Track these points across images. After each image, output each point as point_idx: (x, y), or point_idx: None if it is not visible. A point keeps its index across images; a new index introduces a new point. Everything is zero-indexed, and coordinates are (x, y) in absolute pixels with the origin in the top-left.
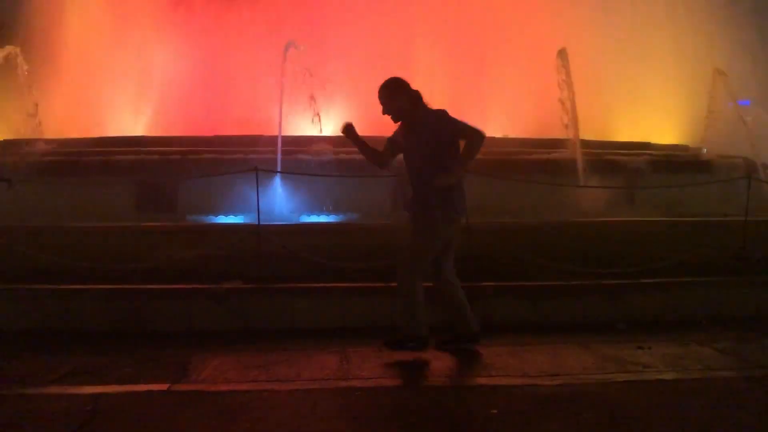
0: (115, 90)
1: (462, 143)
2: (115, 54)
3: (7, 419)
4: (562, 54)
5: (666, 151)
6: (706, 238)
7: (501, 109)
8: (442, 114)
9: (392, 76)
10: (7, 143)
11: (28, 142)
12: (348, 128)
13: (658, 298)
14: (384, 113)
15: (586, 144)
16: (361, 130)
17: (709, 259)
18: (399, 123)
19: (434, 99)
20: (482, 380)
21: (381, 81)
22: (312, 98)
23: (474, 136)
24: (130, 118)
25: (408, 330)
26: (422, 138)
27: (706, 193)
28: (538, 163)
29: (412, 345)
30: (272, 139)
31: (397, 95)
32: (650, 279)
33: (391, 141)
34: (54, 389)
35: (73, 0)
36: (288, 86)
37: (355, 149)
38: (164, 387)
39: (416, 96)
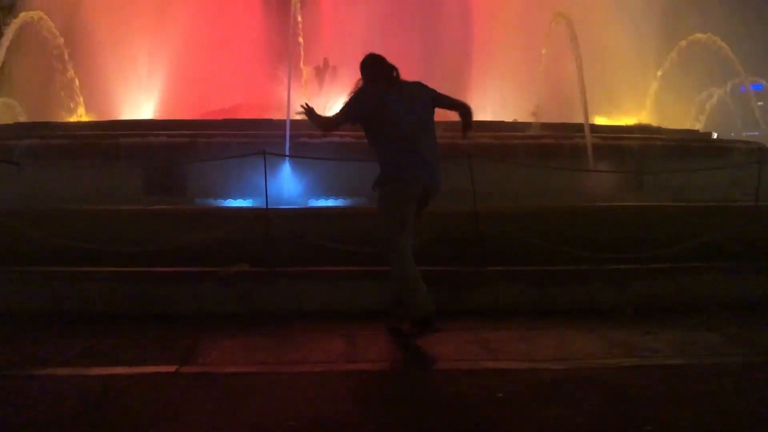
0: (123, 74)
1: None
2: (122, 38)
3: (18, 400)
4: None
5: (676, 135)
6: (715, 223)
7: (510, 92)
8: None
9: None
10: (17, 126)
11: (38, 125)
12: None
13: (665, 284)
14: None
15: (595, 129)
16: None
17: (717, 245)
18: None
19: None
20: (488, 364)
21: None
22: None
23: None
24: (139, 101)
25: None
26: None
27: (715, 179)
28: (549, 147)
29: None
30: (280, 123)
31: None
32: (658, 264)
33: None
34: (63, 370)
35: None
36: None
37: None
38: (172, 369)
39: (388, 71)
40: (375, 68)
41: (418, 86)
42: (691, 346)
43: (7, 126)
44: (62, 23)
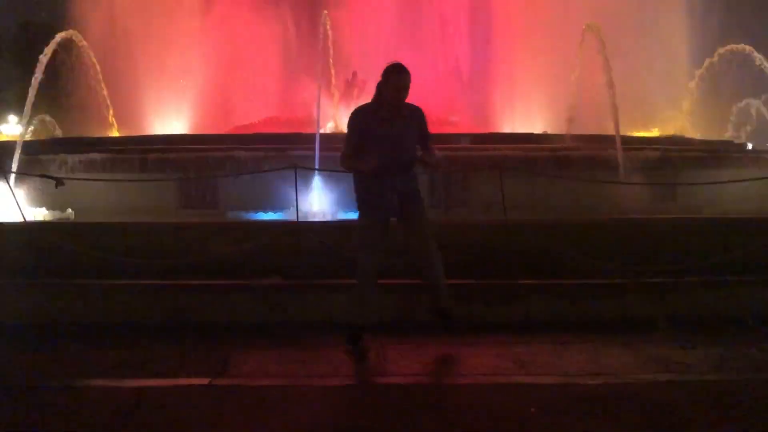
0: (158, 90)
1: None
2: (156, 55)
3: (55, 410)
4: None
5: (709, 146)
6: (752, 235)
7: (539, 104)
8: (421, 111)
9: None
10: (54, 141)
11: (73, 141)
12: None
13: (701, 297)
14: (401, 98)
15: (627, 140)
16: None
17: (754, 258)
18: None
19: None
20: (521, 378)
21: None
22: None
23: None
24: (173, 117)
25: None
26: (411, 125)
27: (750, 190)
28: (579, 159)
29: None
30: (310, 137)
31: None
32: (693, 277)
33: (363, 132)
34: (99, 382)
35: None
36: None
37: None
38: (205, 381)
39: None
40: None
41: None
42: (729, 362)
43: (44, 141)
44: (98, 41)
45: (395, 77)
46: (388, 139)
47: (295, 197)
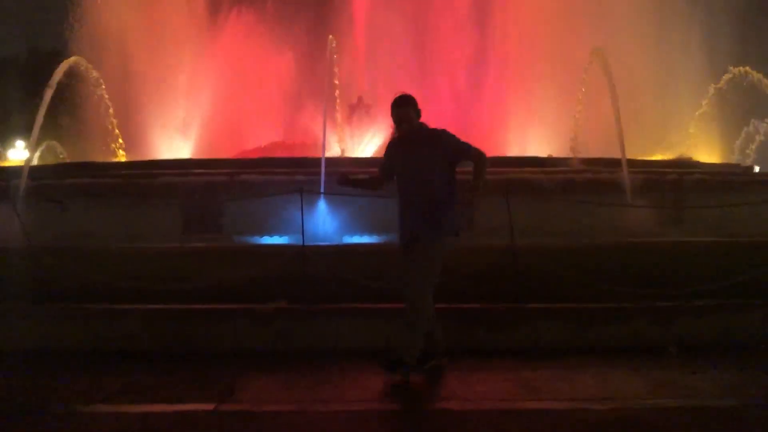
0: (165, 115)
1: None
2: (162, 79)
3: None
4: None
5: (715, 169)
6: (762, 258)
7: (544, 128)
8: (444, 132)
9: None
10: (59, 167)
11: (79, 165)
12: (343, 180)
13: (712, 322)
14: (402, 129)
15: (632, 163)
16: None
17: (763, 282)
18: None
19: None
20: (530, 404)
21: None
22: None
23: (480, 156)
24: (179, 142)
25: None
26: (429, 154)
27: (758, 214)
28: (585, 183)
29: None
30: (316, 161)
31: (414, 108)
32: (703, 301)
33: (390, 163)
34: (103, 408)
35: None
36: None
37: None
38: (211, 407)
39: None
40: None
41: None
42: (741, 387)
43: (50, 166)
44: (105, 68)
45: (393, 110)
46: (404, 169)
47: (300, 221)
